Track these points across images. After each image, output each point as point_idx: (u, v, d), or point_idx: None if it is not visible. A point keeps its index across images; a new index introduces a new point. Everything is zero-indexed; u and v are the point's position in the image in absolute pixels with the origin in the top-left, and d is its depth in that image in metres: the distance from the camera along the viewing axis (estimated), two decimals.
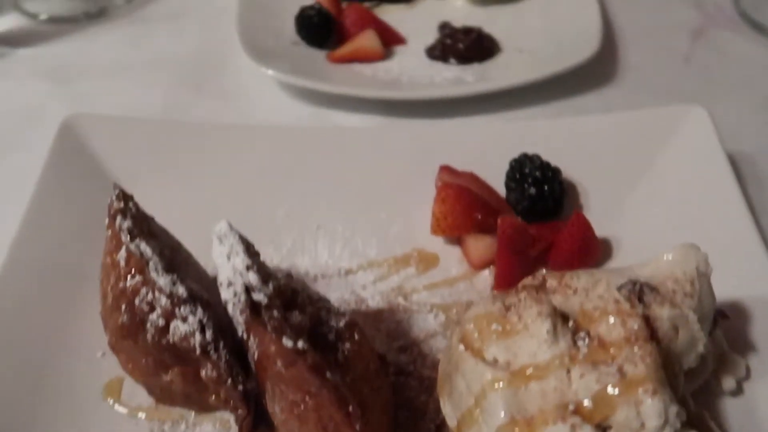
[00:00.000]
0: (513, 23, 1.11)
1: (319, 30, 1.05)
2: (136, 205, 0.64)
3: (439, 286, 0.75)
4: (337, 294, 0.74)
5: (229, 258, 0.58)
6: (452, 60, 1.04)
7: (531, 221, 0.76)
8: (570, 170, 0.82)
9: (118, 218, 0.61)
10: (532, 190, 0.76)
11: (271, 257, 0.77)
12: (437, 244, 0.79)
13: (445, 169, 0.80)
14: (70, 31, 1.18)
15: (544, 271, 0.67)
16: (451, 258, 0.78)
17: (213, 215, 0.63)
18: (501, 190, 0.81)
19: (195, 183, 0.82)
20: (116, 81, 1.07)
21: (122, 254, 0.59)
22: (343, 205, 0.81)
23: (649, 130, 0.83)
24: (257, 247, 0.62)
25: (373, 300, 0.74)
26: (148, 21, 1.20)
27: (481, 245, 0.75)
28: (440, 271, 0.77)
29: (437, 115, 0.98)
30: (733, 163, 0.81)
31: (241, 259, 0.57)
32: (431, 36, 1.10)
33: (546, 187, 0.76)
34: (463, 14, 1.15)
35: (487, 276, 0.76)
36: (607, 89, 1.03)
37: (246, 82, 1.04)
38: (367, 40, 1.04)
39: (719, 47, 1.11)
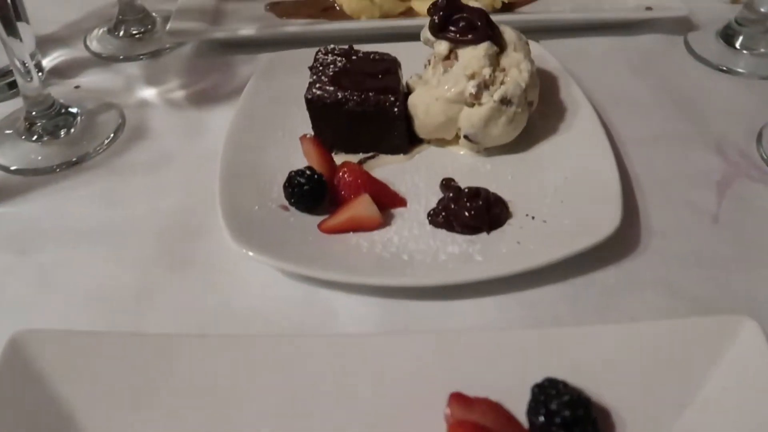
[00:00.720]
0: (521, 178, 1.02)
1: (311, 198, 0.95)
2: None
3: None
4: None
5: None
6: (457, 228, 0.94)
7: None
8: (601, 390, 0.71)
9: None
10: None
11: None
12: None
13: (457, 399, 0.69)
14: (41, 184, 1.08)
15: None
16: None
17: None
18: (521, 413, 0.70)
19: (163, 402, 0.71)
20: (86, 251, 0.96)
21: None
22: None
23: (694, 344, 0.72)
24: None
25: None
26: (126, 172, 1.10)
27: None
28: None
29: (442, 296, 0.87)
30: None
31: None
32: (433, 193, 1.00)
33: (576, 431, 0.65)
34: (468, 166, 1.05)
35: None
36: (631, 261, 0.93)
37: (232, 254, 0.93)
38: (363, 208, 0.94)
39: (749, 201, 1.01)
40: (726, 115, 1.18)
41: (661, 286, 0.89)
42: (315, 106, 1.03)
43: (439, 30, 1.02)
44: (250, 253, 0.87)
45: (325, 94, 1.03)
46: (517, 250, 0.90)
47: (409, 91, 1.11)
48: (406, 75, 1.12)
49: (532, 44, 1.09)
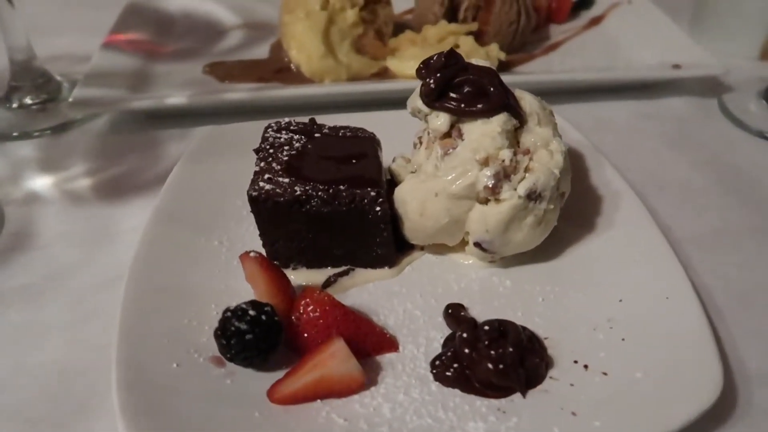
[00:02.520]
0: (556, 301, 0.72)
1: (257, 350, 0.63)
2: None
3: None
4: None
5: None
6: (477, 387, 0.63)
7: None
8: None
9: None
10: None
11: None
12: None
13: None
14: None
15: None
16: None
17: None
18: None
19: None
20: None
21: None
22: None
23: None
24: None
25: None
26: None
27: None
28: None
29: None
30: None
31: None
32: (435, 327, 0.70)
33: None
34: (479, 283, 0.75)
35: None
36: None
37: None
38: (337, 362, 0.62)
39: None
40: None
41: None
42: (263, 206, 0.72)
43: (436, 98, 0.73)
44: None
45: (278, 189, 0.72)
46: (575, 429, 0.59)
47: (393, 180, 0.81)
48: (388, 156, 0.83)
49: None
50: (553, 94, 1.13)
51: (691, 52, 1.16)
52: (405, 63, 1.09)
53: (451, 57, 0.74)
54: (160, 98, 1.04)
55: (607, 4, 1.41)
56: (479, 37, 1.18)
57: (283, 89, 1.06)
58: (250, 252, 0.68)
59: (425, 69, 0.76)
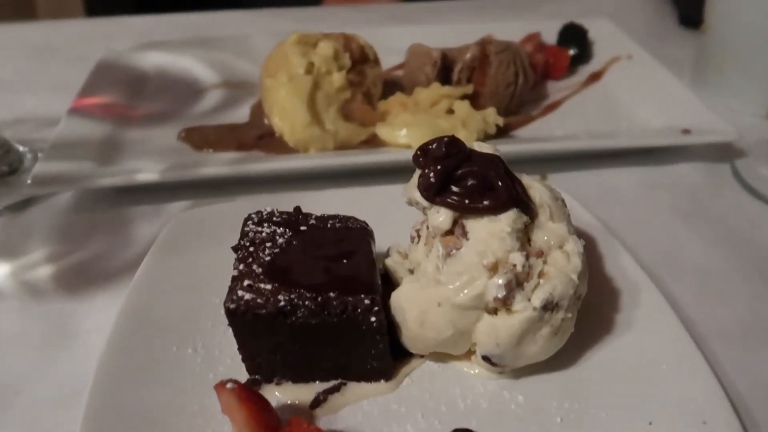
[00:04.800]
0: (578, 422, 0.63)
1: None
2: None
3: None
4: None
5: None
6: None
7: None
8: None
9: None
10: None
11: None
12: None
13: None
14: None
15: None
16: None
17: None
18: None
19: None
20: None
21: None
22: None
23: None
24: None
25: None
26: None
27: None
28: None
29: None
30: None
31: None
32: None
33: None
34: (488, 399, 0.66)
35: None
36: None
37: None
38: None
39: None
40: None
41: None
42: (242, 319, 0.63)
43: (436, 192, 0.65)
44: None
45: (259, 299, 0.63)
46: None
47: (388, 275, 0.72)
48: (381, 239, 0.74)
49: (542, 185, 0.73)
50: (555, 160, 1.06)
51: (699, 114, 1.10)
52: (396, 132, 1.01)
53: (453, 145, 0.66)
54: (129, 174, 0.95)
55: (606, 59, 1.34)
56: (474, 100, 1.10)
57: (264, 162, 0.98)
58: (226, 382, 0.59)
59: (423, 157, 0.67)
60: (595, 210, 0.88)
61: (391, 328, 0.67)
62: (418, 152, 0.68)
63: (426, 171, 0.66)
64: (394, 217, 0.74)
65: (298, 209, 0.75)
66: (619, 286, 0.77)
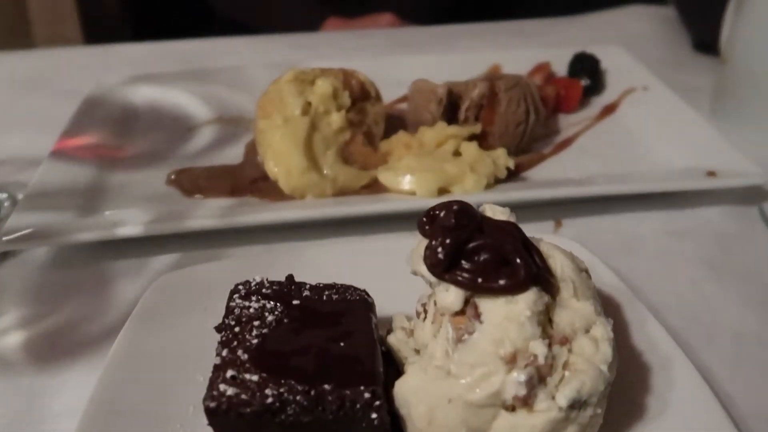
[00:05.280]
0: None
1: None
2: None
3: None
4: None
5: None
6: None
7: None
8: None
9: None
10: None
11: None
12: None
13: None
14: None
15: None
16: None
17: None
18: None
19: None
20: None
21: None
22: None
23: None
24: None
25: None
26: None
27: None
28: None
29: None
30: None
31: None
32: None
33: None
34: None
35: None
36: None
37: None
38: None
39: None
40: None
41: None
42: (225, 419, 0.56)
43: (446, 269, 0.58)
44: None
45: (243, 395, 0.55)
46: None
47: (389, 353, 0.65)
48: (384, 302, 0.67)
49: (555, 241, 0.65)
50: (569, 204, 0.99)
51: (723, 153, 1.02)
52: (399, 178, 0.94)
53: (464, 215, 0.59)
54: (111, 228, 0.88)
55: (620, 89, 1.27)
56: (482, 140, 1.03)
57: (256, 214, 0.90)
58: None
59: (430, 227, 0.60)
60: (614, 262, 0.81)
61: (394, 421, 0.60)
62: (425, 219, 0.61)
63: (433, 243, 0.59)
64: (398, 273, 0.67)
65: (290, 279, 0.68)
66: (647, 361, 0.69)
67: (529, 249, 0.60)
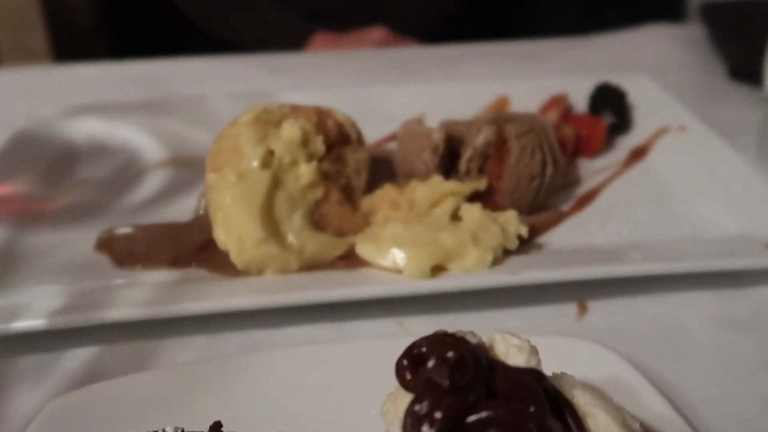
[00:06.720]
0: None
1: None
2: None
3: None
4: None
5: None
6: None
7: None
8: None
9: None
10: None
11: None
12: None
13: None
14: None
15: None
16: None
17: None
18: None
19: None
20: None
21: None
22: None
23: None
24: None
25: None
26: None
27: None
28: None
29: None
30: None
31: None
32: None
33: None
34: None
35: None
36: None
37: None
38: None
39: None
40: None
41: None
42: None
43: None
44: None
45: None
46: None
47: None
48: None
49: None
50: (597, 284, 0.79)
51: None
52: (382, 251, 0.74)
53: (463, 371, 0.39)
54: (7, 320, 0.68)
55: (650, 128, 1.07)
56: (488, 198, 0.83)
57: (195, 301, 0.70)
58: None
59: (413, 376, 0.40)
60: (654, 367, 0.62)
61: None
62: (405, 363, 0.41)
63: (416, 409, 0.38)
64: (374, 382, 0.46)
65: (216, 426, 0.48)
66: None
67: (561, 410, 0.40)
